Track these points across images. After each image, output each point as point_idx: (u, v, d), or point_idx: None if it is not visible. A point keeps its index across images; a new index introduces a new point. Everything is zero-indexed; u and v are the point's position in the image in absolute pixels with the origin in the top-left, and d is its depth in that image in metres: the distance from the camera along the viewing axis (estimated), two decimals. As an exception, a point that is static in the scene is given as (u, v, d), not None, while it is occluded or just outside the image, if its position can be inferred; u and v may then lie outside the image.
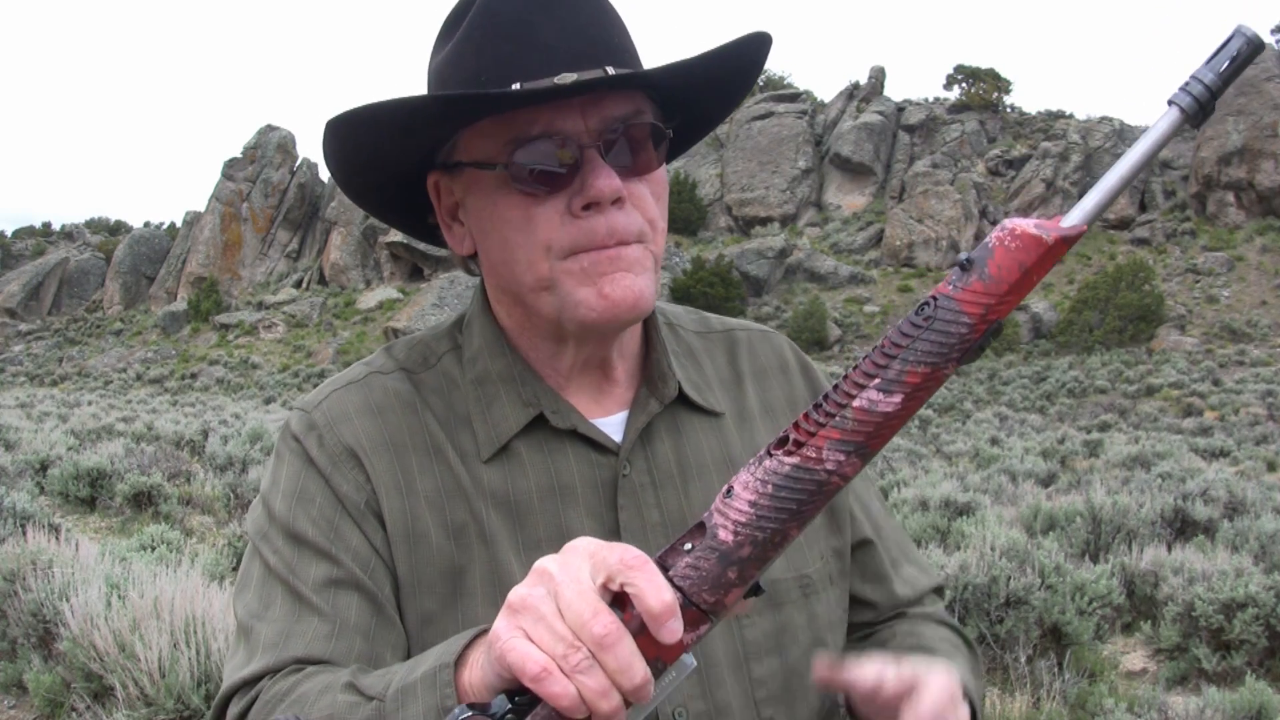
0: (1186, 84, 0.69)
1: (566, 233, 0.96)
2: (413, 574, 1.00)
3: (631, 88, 0.98)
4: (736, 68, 1.04)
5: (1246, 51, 0.69)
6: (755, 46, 1.03)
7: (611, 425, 1.07)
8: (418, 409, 1.07)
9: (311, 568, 0.99)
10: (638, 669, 0.67)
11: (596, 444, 1.05)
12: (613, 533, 1.02)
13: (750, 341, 1.21)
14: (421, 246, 65.15)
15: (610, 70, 0.95)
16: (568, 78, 0.93)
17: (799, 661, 1.05)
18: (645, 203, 1.00)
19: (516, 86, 0.93)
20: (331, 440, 1.04)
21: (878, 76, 71.02)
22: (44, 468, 11.44)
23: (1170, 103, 0.70)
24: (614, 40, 0.99)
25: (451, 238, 1.07)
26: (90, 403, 34.97)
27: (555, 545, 0.99)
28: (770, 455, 0.70)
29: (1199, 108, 0.69)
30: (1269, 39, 62.29)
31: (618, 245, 0.97)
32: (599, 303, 0.97)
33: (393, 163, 1.03)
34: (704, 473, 1.08)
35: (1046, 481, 12.91)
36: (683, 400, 1.10)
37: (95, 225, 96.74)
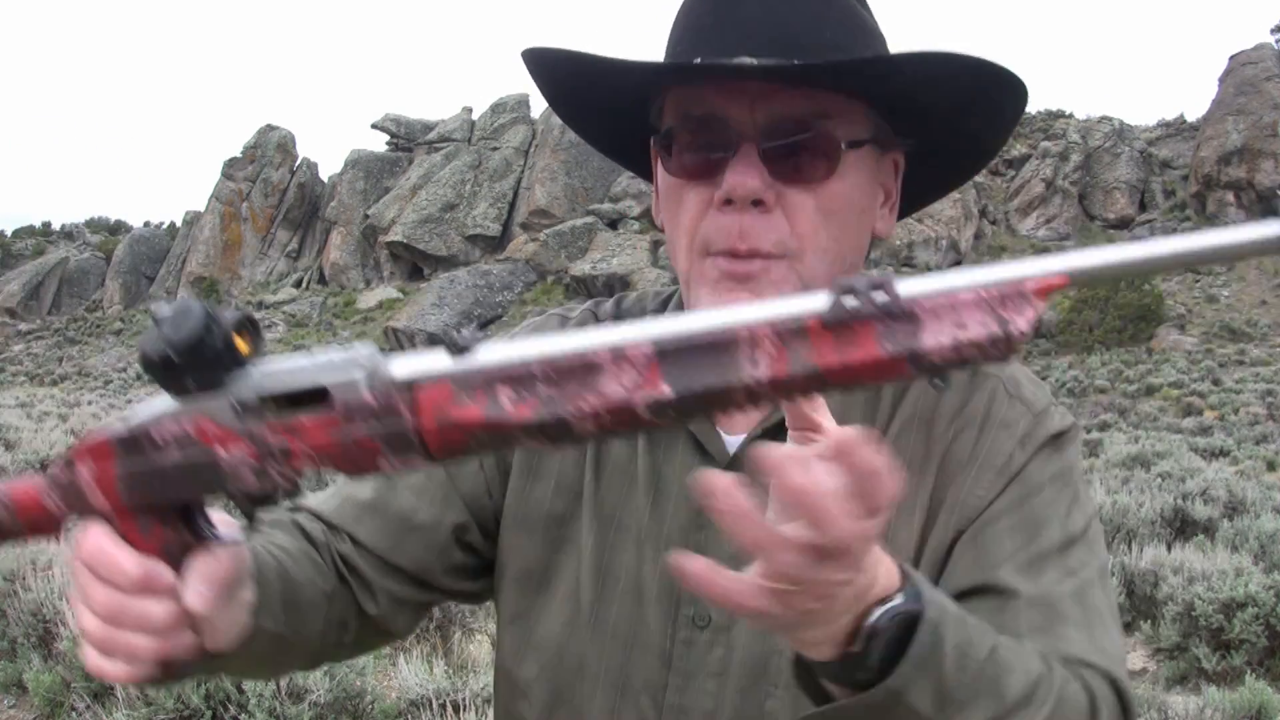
0: None
1: (705, 225, 0.92)
2: (521, 507, 1.04)
3: (819, 86, 0.88)
4: (960, 87, 0.92)
5: None
6: (988, 75, 0.90)
7: (739, 440, 0.99)
8: None
9: None
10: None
11: (705, 451, 0.99)
12: (688, 547, 0.96)
13: (972, 387, 0.99)
14: (421, 246, 65.24)
15: (797, 64, 0.88)
16: (746, 62, 0.87)
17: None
18: (802, 216, 0.90)
19: (697, 61, 0.91)
20: None
21: (878, 76, 70.93)
22: (44, 467, 11.42)
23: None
24: (825, 35, 0.90)
25: (655, 207, 1.04)
26: (90, 402, 34.91)
27: (635, 539, 0.99)
28: None
29: None
30: (1269, 39, 62.30)
31: (750, 255, 0.90)
32: None
33: (608, 114, 1.03)
34: None
35: (1046, 481, 12.88)
36: None
37: (95, 225, 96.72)
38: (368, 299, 65.45)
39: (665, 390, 0.58)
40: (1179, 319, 47.51)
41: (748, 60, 0.88)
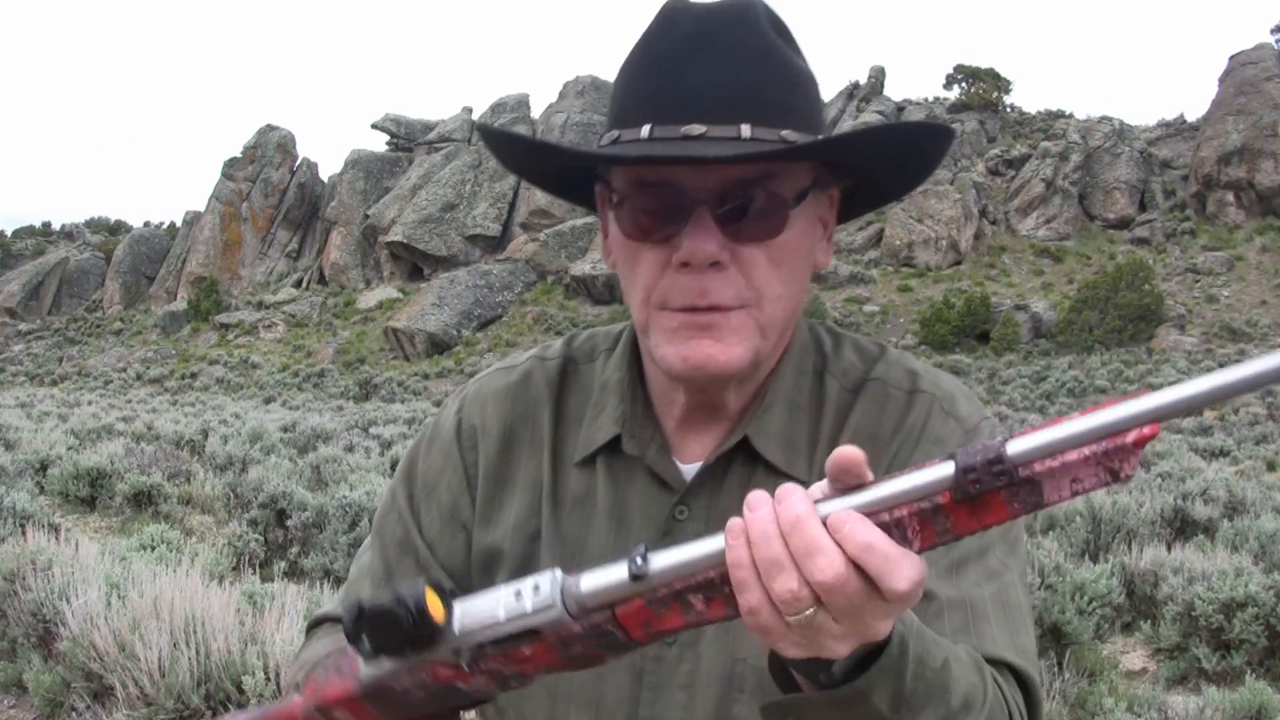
0: None
1: (663, 285, 0.96)
2: (483, 557, 1.09)
3: (761, 158, 0.93)
4: (901, 149, 1.00)
5: None
6: (925, 135, 0.98)
7: (695, 468, 1.05)
8: (544, 403, 1.11)
9: (394, 528, 1.12)
10: None
11: (663, 481, 1.04)
12: None
13: (910, 403, 1.05)
14: (421, 246, 65.25)
15: (746, 129, 0.92)
16: (695, 129, 0.92)
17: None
18: (756, 270, 0.95)
19: (647, 129, 0.94)
20: (467, 416, 1.13)
21: (877, 76, 71.03)
22: (44, 467, 11.42)
23: None
24: (768, 94, 0.94)
25: (605, 246, 1.07)
26: (90, 402, 34.94)
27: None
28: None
29: None
30: (1269, 39, 62.30)
31: (710, 310, 0.95)
32: (678, 363, 0.96)
33: (553, 171, 1.08)
34: None
35: (1046, 481, 12.85)
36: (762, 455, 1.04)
37: (95, 225, 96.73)
38: (368, 299, 65.47)
39: None
40: (1179, 319, 47.51)
41: (697, 127, 0.92)
